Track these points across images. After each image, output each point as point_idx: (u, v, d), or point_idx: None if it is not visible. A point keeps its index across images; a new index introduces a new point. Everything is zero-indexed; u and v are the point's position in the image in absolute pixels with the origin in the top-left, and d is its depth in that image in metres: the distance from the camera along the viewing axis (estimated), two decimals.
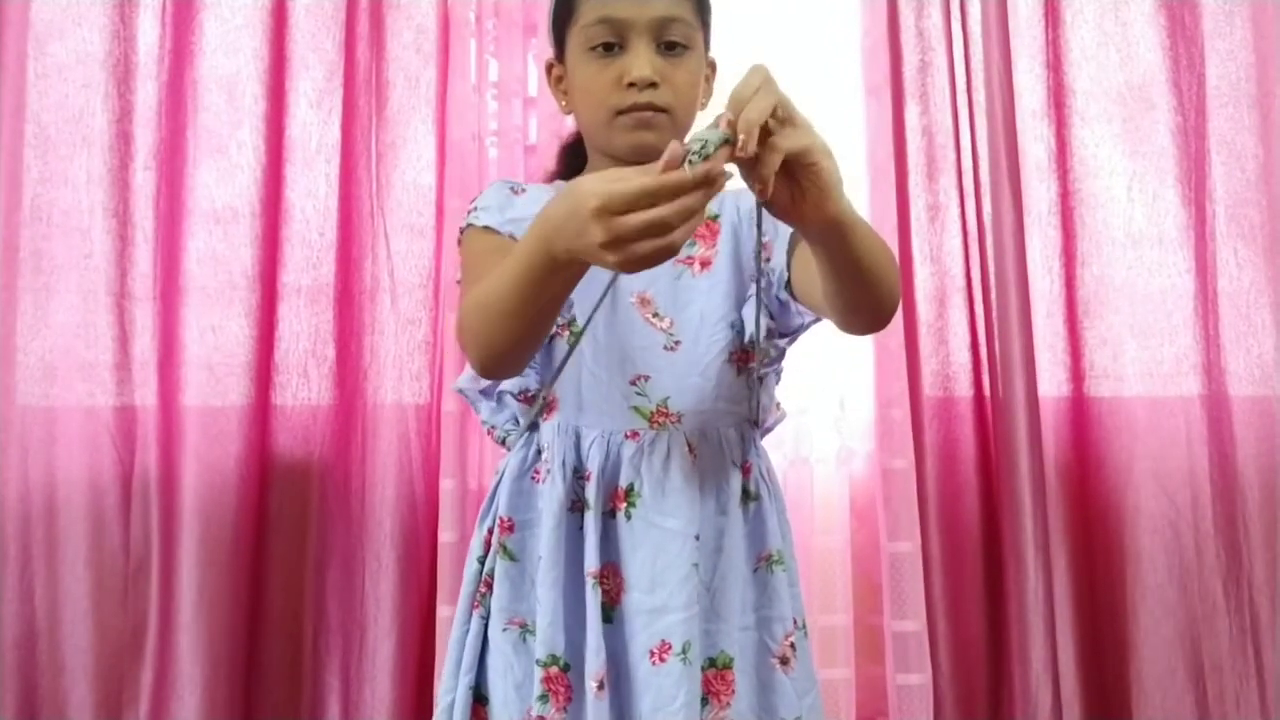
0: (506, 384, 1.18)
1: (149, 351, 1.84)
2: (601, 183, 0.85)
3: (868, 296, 1.01)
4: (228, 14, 1.88)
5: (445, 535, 1.80)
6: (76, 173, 1.85)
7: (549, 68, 1.28)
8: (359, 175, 1.90)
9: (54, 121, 1.85)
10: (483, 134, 1.91)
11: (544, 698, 1.09)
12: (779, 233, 1.17)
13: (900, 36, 1.95)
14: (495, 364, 1.06)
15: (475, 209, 1.22)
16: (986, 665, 1.91)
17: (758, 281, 1.15)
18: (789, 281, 1.12)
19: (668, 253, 0.85)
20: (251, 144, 1.86)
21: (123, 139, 1.85)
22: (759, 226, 1.12)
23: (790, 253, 1.12)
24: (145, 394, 1.83)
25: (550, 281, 0.95)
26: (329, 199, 1.89)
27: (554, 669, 1.09)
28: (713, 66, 1.28)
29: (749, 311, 1.17)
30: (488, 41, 1.93)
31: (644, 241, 0.84)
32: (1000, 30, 1.92)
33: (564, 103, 1.27)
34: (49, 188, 1.84)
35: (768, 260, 1.19)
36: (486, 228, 1.18)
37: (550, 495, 1.13)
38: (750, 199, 1.22)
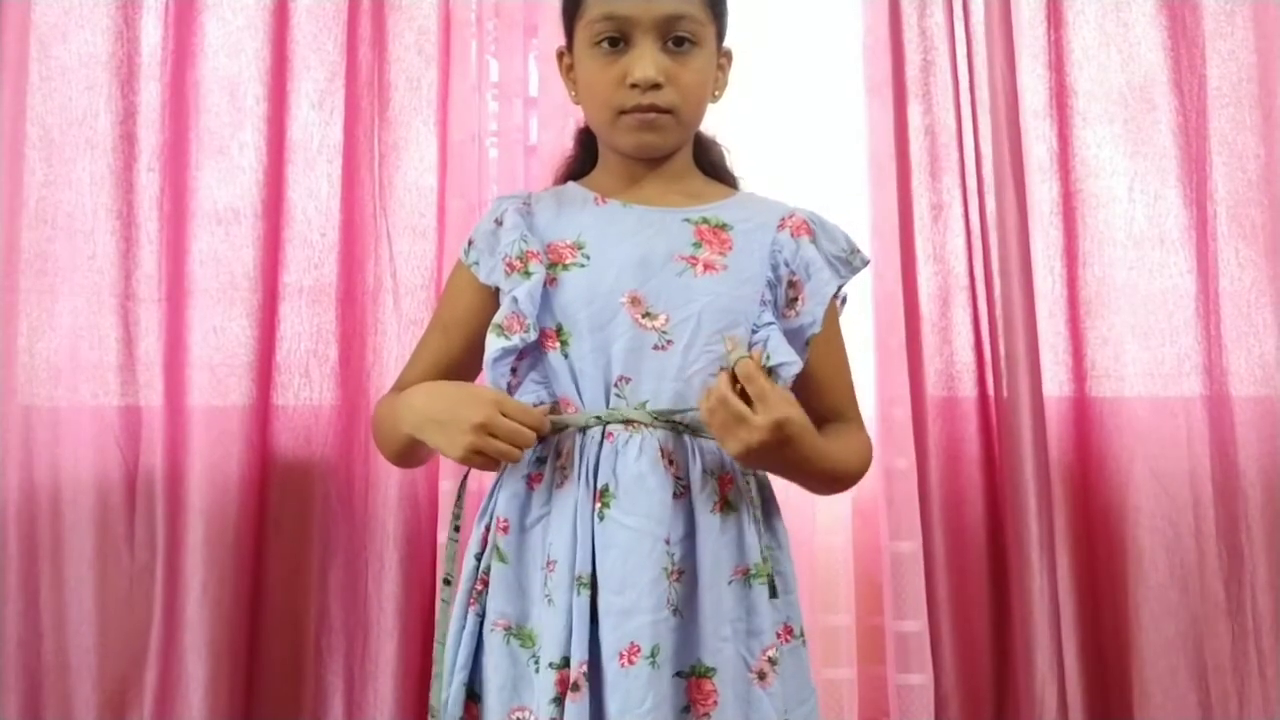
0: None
1: (153, 352, 1.84)
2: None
3: (826, 491, 1.30)
4: (229, 15, 1.87)
5: (443, 536, 1.80)
6: (80, 175, 1.85)
7: (560, 55, 1.28)
8: (361, 176, 1.90)
9: (57, 124, 1.85)
10: (482, 135, 1.91)
11: (557, 700, 1.09)
12: (812, 280, 1.21)
13: (903, 36, 1.94)
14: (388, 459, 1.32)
15: (472, 241, 1.26)
16: (991, 665, 1.91)
17: (775, 302, 1.19)
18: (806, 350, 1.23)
19: (507, 458, 1.11)
20: (253, 145, 1.85)
21: (126, 141, 1.85)
22: (787, 264, 1.21)
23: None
24: (149, 394, 1.83)
25: (404, 447, 1.23)
26: (331, 200, 1.89)
27: (566, 671, 1.09)
28: (728, 57, 1.28)
29: (774, 342, 1.17)
30: (488, 42, 1.93)
31: (499, 443, 1.09)
32: (1003, 30, 1.92)
33: (573, 93, 1.27)
34: (53, 190, 1.85)
35: (795, 300, 1.20)
36: (475, 265, 1.25)
37: (568, 498, 1.14)
38: (775, 219, 1.23)
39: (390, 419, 1.22)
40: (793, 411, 1.10)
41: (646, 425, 1.14)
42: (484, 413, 1.10)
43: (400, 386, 1.28)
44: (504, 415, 1.10)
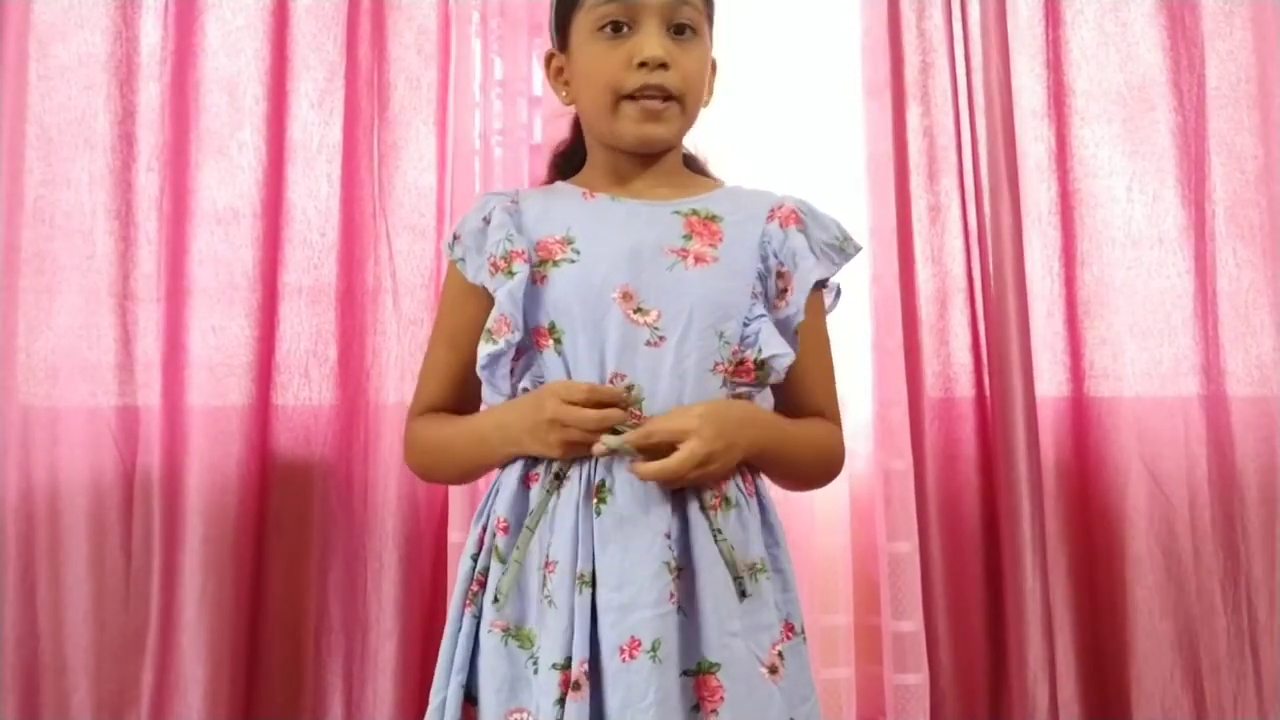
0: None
1: (152, 352, 1.84)
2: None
3: (799, 487, 1.31)
4: (229, 15, 1.87)
5: (454, 535, 1.80)
6: (79, 174, 1.84)
7: (549, 59, 1.28)
8: (361, 176, 1.90)
9: (56, 123, 1.85)
10: (487, 133, 1.91)
11: (560, 701, 1.08)
12: (799, 269, 1.20)
13: (902, 37, 1.94)
14: (431, 483, 1.33)
15: (456, 237, 1.25)
16: (987, 665, 1.92)
17: (766, 294, 1.19)
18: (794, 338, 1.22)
19: (588, 442, 1.10)
20: (253, 145, 1.86)
21: (125, 140, 1.85)
22: (776, 255, 1.20)
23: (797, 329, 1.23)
24: (147, 394, 1.83)
25: (490, 465, 1.23)
26: (330, 200, 1.89)
27: (569, 671, 1.09)
28: (713, 67, 1.28)
29: (765, 334, 1.17)
30: (492, 40, 1.93)
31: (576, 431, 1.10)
32: (1000, 30, 1.92)
33: (564, 94, 1.27)
34: (51, 189, 1.84)
35: (784, 290, 1.20)
36: (461, 261, 1.24)
37: (569, 498, 1.13)
38: (765, 210, 1.23)
39: (460, 443, 1.23)
40: (691, 409, 1.13)
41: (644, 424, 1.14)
42: (550, 408, 1.11)
43: (420, 405, 1.28)
44: (567, 403, 1.11)
